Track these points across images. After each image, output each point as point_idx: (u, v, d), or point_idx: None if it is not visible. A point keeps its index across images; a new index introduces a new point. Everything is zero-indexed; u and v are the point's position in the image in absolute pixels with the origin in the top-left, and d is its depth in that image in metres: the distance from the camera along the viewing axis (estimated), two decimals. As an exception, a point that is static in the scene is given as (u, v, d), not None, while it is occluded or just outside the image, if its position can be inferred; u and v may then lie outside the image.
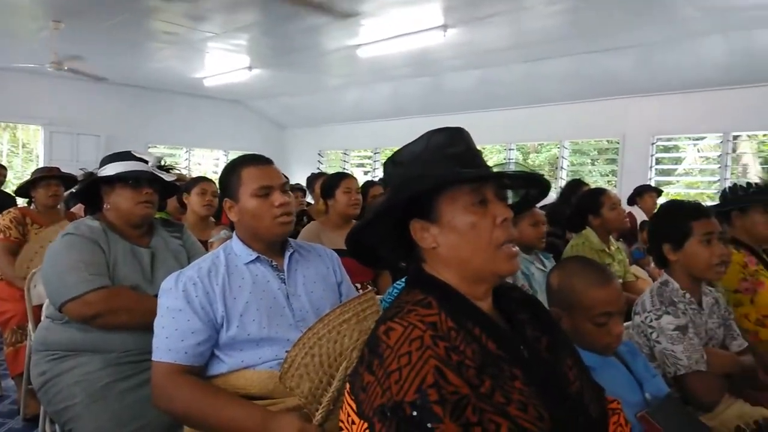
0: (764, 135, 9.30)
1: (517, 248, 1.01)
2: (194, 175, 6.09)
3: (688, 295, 1.81)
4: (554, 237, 3.42)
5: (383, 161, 1.13)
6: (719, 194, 2.68)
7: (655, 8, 4.76)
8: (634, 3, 4.66)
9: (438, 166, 0.99)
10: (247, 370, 1.42)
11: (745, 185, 2.47)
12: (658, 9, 4.77)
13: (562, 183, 7.03)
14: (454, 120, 1.29)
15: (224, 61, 7.16)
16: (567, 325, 1.40)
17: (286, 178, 1.64)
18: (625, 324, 1.86)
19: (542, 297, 1.60)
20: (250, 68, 7.34)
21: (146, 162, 1.98)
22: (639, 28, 5.26)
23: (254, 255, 1.54)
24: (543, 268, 2.81)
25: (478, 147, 1.07)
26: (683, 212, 1.87)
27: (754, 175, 8.74)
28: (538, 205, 1.40)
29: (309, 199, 5.60)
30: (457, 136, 1.04)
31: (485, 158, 1.08)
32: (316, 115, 9.99)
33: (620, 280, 3.03)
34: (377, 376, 0.86)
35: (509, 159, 7.79)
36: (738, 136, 7.17)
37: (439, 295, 0.97)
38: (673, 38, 5.47)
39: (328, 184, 3.13)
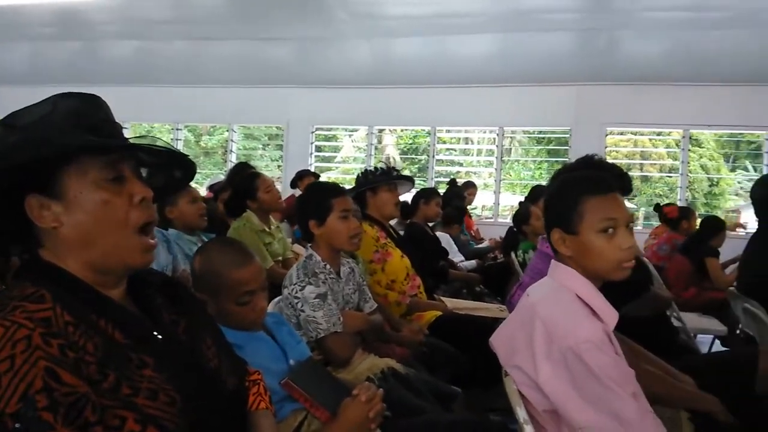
0: (402, 130, 11.16)
1: (155, 240, 0.96)
2: None
3: (328, 266, 2.03)
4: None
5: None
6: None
7: (309, 6, 5.18)
8: (292, -2, 4.99)
9: (65, 133, 0.87)
10: None
11: (374, 169, 2.90)
12: (313, 7, 5.22)
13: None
14: (108, 92, 1.16)
15: None
16: (213, 309, 1.38)
17: None
18: (278, 298, 1.99)
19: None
20: None
21: None
22: (297, 22, 5.67)
23: None
24: (205, 251, 2.79)
25: (144, 125, 0.98)
26: (324, 192, 2.10)
27: (393, 162, 10.38)
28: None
29: None
30: (93, 104, 0.93)
31: (155, 136, 0.98)
32: None
33: (280, 258, 3.23)
34: None
35: (176, 139, 7.48)
36: (382, 129, 8.44)
37: (55, 287, 0.86)
38: (327, 37, 6.06)
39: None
